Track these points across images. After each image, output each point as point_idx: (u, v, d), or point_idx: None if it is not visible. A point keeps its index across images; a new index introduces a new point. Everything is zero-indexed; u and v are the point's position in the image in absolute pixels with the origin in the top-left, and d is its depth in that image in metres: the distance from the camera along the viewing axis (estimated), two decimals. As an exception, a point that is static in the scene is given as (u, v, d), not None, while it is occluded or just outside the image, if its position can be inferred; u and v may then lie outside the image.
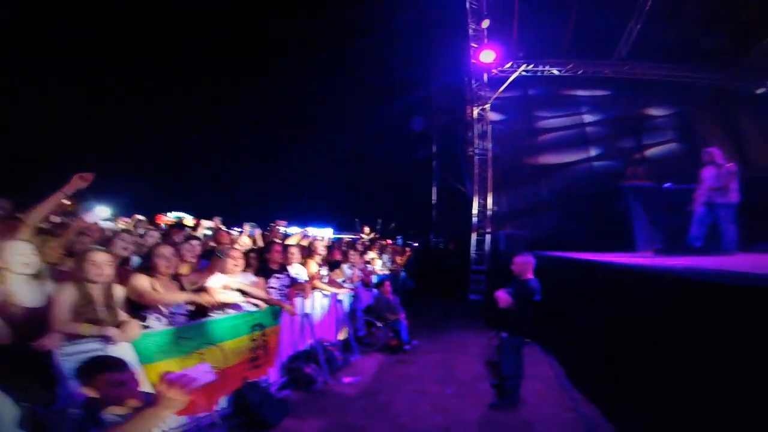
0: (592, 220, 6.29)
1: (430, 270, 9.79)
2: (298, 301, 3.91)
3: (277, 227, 5.40)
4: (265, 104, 14.44)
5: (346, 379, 3.91)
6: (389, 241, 9.43)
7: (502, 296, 3.27)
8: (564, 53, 7.70)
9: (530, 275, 3.37)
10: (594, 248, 5.75)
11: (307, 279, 4.24)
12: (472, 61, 7.23)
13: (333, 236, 11.26)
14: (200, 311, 2.88)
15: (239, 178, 15.27)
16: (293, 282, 3.98)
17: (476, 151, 7.87)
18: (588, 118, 8.20)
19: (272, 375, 3.38)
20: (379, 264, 7.16)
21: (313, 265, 4.48)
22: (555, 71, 7.76)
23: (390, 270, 7.57)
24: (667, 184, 5.86)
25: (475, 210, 7.73)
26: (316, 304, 4.34)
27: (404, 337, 5.05)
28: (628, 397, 2.86)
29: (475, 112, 7.85)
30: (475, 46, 7.09)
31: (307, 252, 4.63)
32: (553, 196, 7.48)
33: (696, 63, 7.65)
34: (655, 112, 8.14)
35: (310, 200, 15.82)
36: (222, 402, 2.78)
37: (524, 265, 3.39)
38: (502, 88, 7.64)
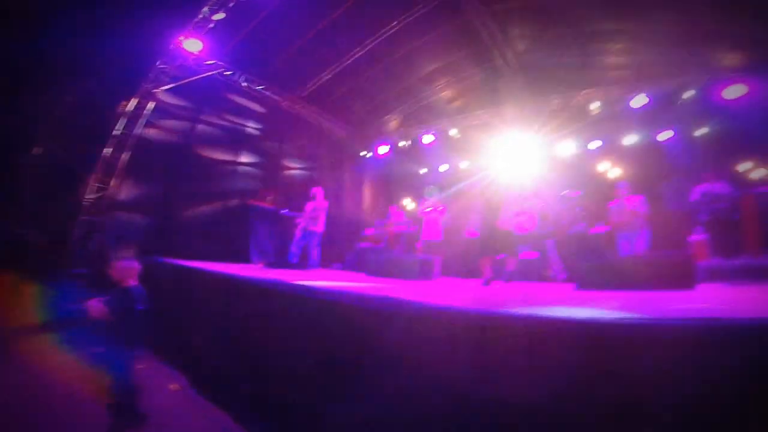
0: (219, 231, 6.75)
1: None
2: None
3: None
4: None
5: None
6: None
7: (95, 306, 2.76)
8: (264, 74, 8.11)
9: (133, 282, 3.08)
10: (217, 258, 6.17)
11: None
12: (176, 42, 6.53)
13: None
14: None
15: None
16: None
17: (120, 130, 6.57)
18: (250, 129, 8.81)
19: None
20: None
21: None
22: (245, 84, 7.97)
23: None
24: (284, 210, 7.26)
25: (89, 195, 6.24)
26: None
27: None
28: (252, 399, 3.05)
29: (143, 90, 6.69)
30: (191, 32, 6.48)
31: None
32: (190, 202, 7.32)
33: (342, 118, 10.06)
34: (294, 143, 9.79)
35: None
36: None
37: (126, 270, 3.02)
38: (187, 80, 6.97)
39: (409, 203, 11.35)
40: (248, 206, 6.83)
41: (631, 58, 7.65)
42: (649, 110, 7.76)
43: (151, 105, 6.87)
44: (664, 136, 8.09)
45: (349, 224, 9.49)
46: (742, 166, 7.37)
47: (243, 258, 6.47)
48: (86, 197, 6.31)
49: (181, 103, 7.36)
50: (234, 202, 7.40)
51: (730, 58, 6.97)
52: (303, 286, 2.97)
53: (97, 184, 6.42)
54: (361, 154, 11.13)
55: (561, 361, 1.66)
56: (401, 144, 10.86)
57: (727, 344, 1.42)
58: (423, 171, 11.81)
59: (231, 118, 8.34)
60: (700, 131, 7.89)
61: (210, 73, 7.30)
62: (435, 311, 2.07)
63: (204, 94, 7.52)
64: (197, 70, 7.15)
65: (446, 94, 9.96)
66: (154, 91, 6.90)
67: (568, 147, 9.10)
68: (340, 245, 8.34)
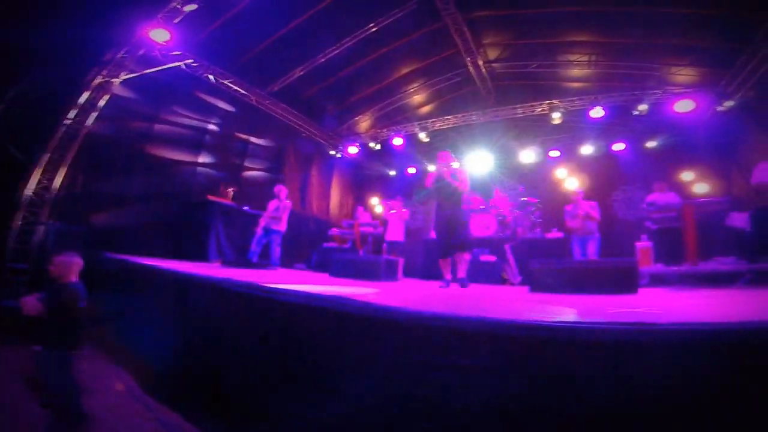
0: (178, 227, 6.44)
1: None
2: None
3: None
4: None
5: None
6: None
7: (30, 302, 2.62)
8: (233, 69, 7.78)
9: (74, 278, 2.91)
10: (172, 255, 5.92)
11: None
12: (142, 32, 6.17)
13: None
14: None
15: None
16: None
17: (71, 121, 6.15)
18: (212, 127, 8.37)
19: None
20: None
21: None
22: (212, 77, 7.61)
23: None
24: (245, 207, 7.07)
25: (31, 188, 5.79)
26: None
27: None
28: (204, 398, 2.97)
29: (99, 80, 6.30)
30: (160, 21, 6.18)
31: None
32: (148, 196, 6.92)
33: (312, 117, 9.82)
34: (258, 141, 9.47)
35: None
36: None
37: (67, 265, 2.85)
38: (150, 71, 6.61)
39: (377, 204, 11.39)
40: (207, 202, 6.55)
41: (594, 71, 8.02)
42: (605, 122, 8.18)
43: (106, 97, 6.49)
44: (618, 147, 8.56)
45: (314, 224, 9.37)
46: (686, 178, 7.93)
47: (201, 256, 6.22)
48: (29, 190, 5.87)
49: (139, 97, 6.94)
50: (192, 198, 7.06)
51: (685, 74, 7.41)
52: (257, 285, 2.90)
53: (42, 177, 5.99)
54: (331, 153, 11.02)
55: (506, 362, 1.71)
56: (371, 145, 10.85)
57: (654, 349, 1.51)
58: (392, 173, 11.86)
59: (193, 115, 7.94)
60: (651, 143, 8.42)
61: (176, 64, 6.98)
62: (387, 312, 2.08)
63: (165, 89, 7.15)
64: (162, 60, 6.80)
65: (418, 97, 10.06)
66: (112, 80, 6.53)
67: (529, 155, 9.44)
68: (305, 245, 8.23)
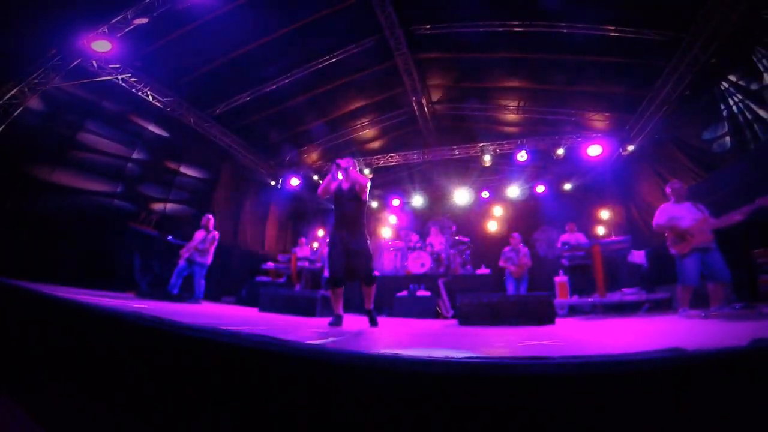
0: (85, 251, 5.69)
1: None
2: None
3: None
4: None
5: None
6: None
7: None
8: (177, 87, 7.41)
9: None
10: (79, 281, 5.17)
11: None
12: (83, 41, 5.90)
13: None
14: None
15: None
16: None
17: None
18: (136, 155, 7.52)
19: None
20: None
21: None
22: (150, 97, 7.22)
23: None
24: (169, 237, 6.59)
25: None
26: None
27: None
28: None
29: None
30: (105, 32, 5.91)
31: None
32: (61, 199, 6.01)
33: (254, 144, 9.54)
34: (187, 171, 8.79)
35: None
36: None
37: None
38: (84, 81, 6.20)
39: (318, 239, 11.21)
40: (128, 228, 5.99)
41: (521, 116, 8.68)
42: (529, 165, 8.95)
43: (33, 98, 5.90)
44: (539, 189, 9.40)
45: (247, 256, 8.90)
46: (595, 217, 8.86)
47: (114, 285, 5.55)
48: None
49: (75, 92, 6.37)
50: (114, 202, 6.27)
51: (597, 120, 8.24)
52: (154, 317, 2.63)
53: None
54: (271, 183, 10.77)
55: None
56: (315, 178, 10.79)
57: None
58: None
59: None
60: (567, 185, 9.34)
61: (111, 78, 6.59)
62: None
63: (103, 89, 6.66)
64: (99, 72, 6.43)
65: (365, 134, 10.24)
66: (40, 89, 5.97)
67: (462, 195, 10.00)
68: (236, 278, 7.76)
